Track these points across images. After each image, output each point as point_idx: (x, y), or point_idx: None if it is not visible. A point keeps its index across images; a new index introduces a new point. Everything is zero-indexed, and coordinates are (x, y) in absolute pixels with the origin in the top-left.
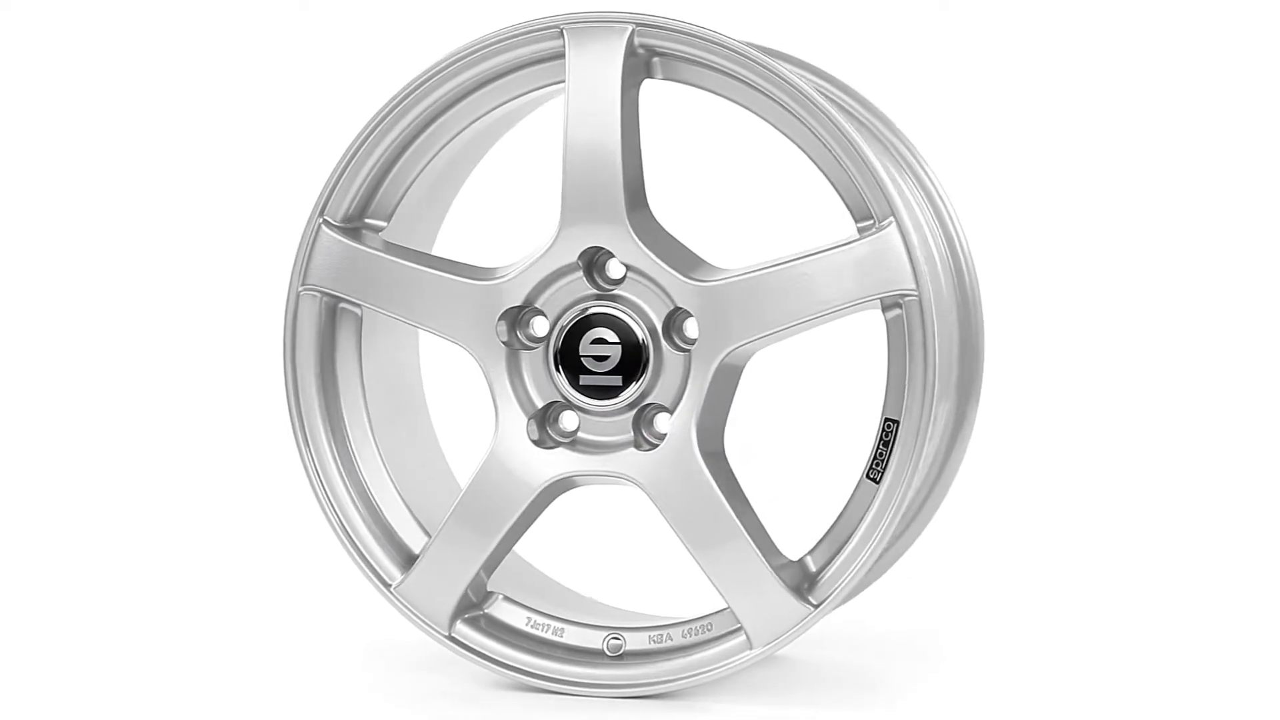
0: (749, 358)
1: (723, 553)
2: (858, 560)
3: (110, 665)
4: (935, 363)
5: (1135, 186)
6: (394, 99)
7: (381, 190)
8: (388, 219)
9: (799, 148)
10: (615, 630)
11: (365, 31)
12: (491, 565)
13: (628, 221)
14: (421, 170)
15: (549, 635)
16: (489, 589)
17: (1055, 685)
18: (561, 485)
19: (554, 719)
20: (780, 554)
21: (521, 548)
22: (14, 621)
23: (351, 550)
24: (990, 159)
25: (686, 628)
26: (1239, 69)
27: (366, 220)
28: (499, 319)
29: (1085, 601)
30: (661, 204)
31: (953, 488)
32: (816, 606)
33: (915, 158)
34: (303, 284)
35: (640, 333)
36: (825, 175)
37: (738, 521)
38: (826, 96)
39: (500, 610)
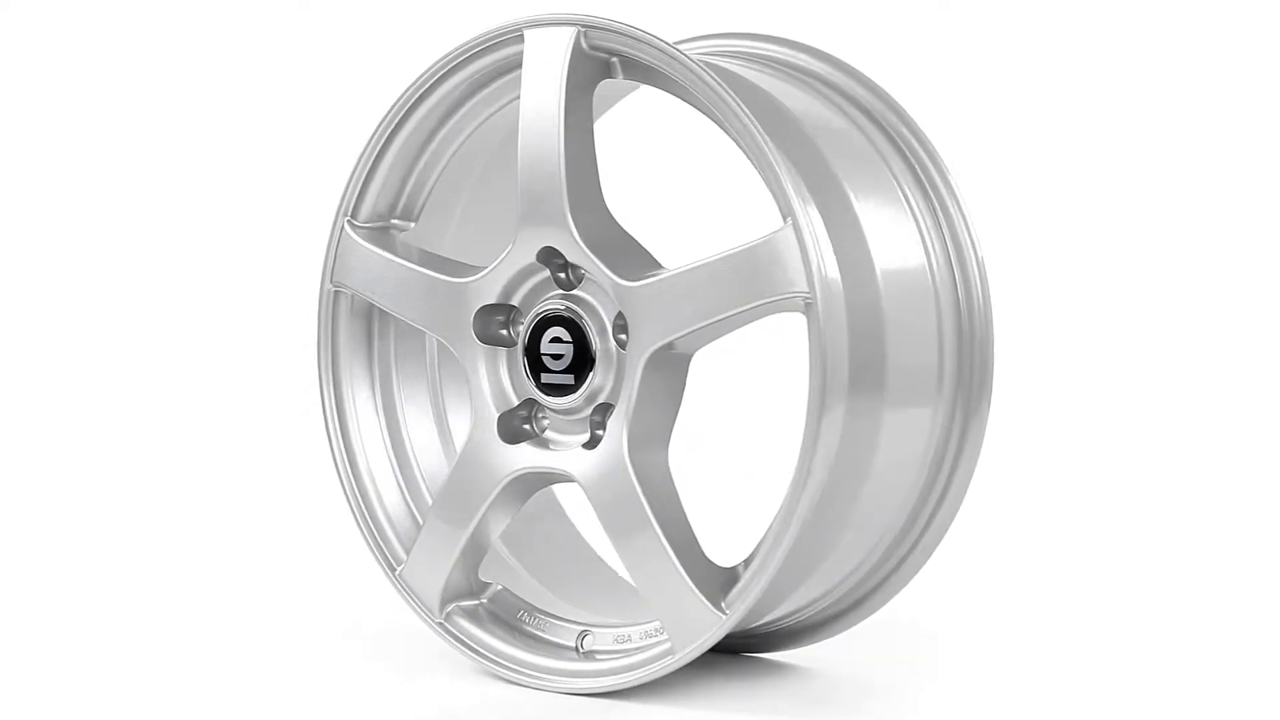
0: (682, 359)
1: (643, 556)
2: (764, 569)
3: (104, 643)
4: (828, 368)
5: (1146, 187)
6: (388, 113)
7: (405, 193)
8: (414, 220)
9: (740, 148)
10: (588, 627)
11: (365, 31)
12: (473, 554)
13: (571, 223)
14: (441, 172)
15: (535, 630)
16: (486, 580)
17: (1056, 696)
18: (526, 480)
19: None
20: (705, 560)
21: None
22: (18, 601)
23: (365, 532)
24: (1005, 159)
25: (644, 629)
26: (1248, 56)
27: (393, 221)
28: (474, 316)
29: (1088, 609)
30: (654, 205)
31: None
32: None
33: (930, 155)
34: (330, 281)
35: (590, 332)
36: (759, 173)
37: (656, 526)
38: (824, 80)
39: (497, 602)
